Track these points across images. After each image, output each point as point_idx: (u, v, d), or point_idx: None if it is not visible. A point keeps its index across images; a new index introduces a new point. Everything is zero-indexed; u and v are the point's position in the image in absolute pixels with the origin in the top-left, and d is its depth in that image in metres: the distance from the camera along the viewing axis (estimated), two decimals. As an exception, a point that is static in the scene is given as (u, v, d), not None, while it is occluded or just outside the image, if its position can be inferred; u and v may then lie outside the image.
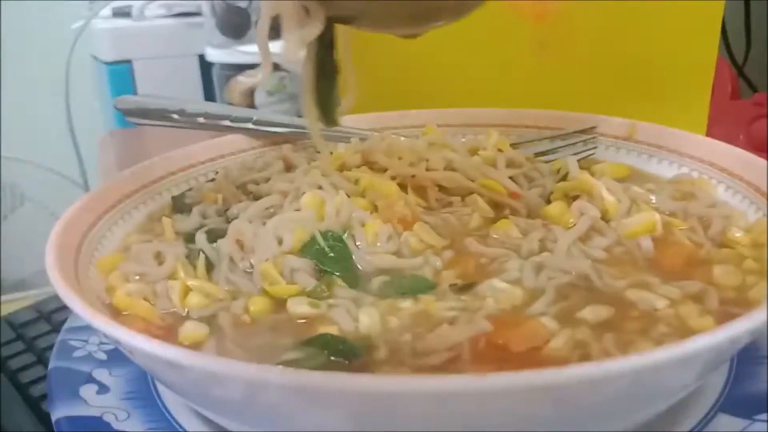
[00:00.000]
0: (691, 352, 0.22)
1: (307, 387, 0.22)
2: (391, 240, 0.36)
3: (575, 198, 0.39)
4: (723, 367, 0.32)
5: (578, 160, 0.42)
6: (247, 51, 1.01)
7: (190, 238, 0.37)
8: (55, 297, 0.31)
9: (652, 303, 0.30)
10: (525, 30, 0.55)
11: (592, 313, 0.29)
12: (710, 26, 0.52)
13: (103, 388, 0.33)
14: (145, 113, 0.47)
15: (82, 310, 0.27)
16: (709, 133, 0.51)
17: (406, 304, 0.31)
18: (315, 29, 0.30)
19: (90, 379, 0.34)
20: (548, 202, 0.40)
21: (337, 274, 0.33)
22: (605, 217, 0.37)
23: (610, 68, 0.54)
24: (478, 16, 0.51)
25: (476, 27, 0.55)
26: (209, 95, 1.17)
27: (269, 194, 0.40)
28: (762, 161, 0.37)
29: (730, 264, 0.33)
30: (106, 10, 1.22)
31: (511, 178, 0.41)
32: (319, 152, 0.48)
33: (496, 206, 0.40)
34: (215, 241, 0.36)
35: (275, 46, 0.31)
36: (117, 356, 0.35)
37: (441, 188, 0.41)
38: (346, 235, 0.35)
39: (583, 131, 0.47)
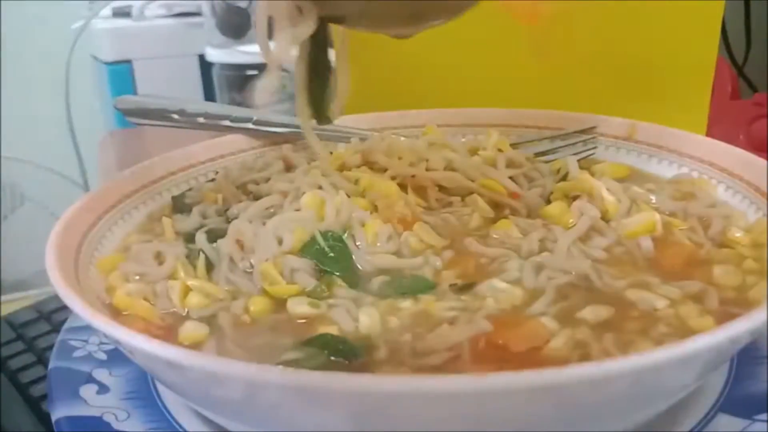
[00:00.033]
0: (691, 352, 0.22)
1: (307, 387, 0.22)
2: (391, 240, 0.36)
3: (575, 198, 0.39)
4: (723, 367, 0.32)
5: (578, 160, 0.42)
6: (247, 51, 1.01)
7: (190, 238, 0.37)
8: (55, 297, 0.31)
9: (652, 303, 0.30)
10: (525, 30, 0.55)
11: (592, 313, 0.29)
12: (710, 26, 0.52)
13: (103, 388, 0.33)
14: (145, 113, 0.47)
15: (82, 310, 0.27)
16: (709, 133, 0.51)
17: (406, 304, 0.31)
18: (307, 28, 0.30)
19: (90, 379, 0.34)
20: (548, 202, 0.40)
21: (337, 274, 0.33)
22: (605, 217, 0.37)
23: (610, 68, 0.54)
24: (478, 17, 0.51)
25: (476, 27, 0.55)
26: (209, 95, 1.17)
27: (269, 194, 0.40)
28: (762, 161, 0.37)
29: (730, 264, 0.33)
30: (106, 10, 1.22)
31: (511, 178, 0.41)
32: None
33: (496, 206, 0.40)
34: (215, 241, 0.36)
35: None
36: (117, 356, 0.35)
37: (441, 188, 0.41)
38: (346, 235, 0.35)
39: (583, 131, 0.47)
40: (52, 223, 0.34)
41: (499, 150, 0.45)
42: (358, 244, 0.35)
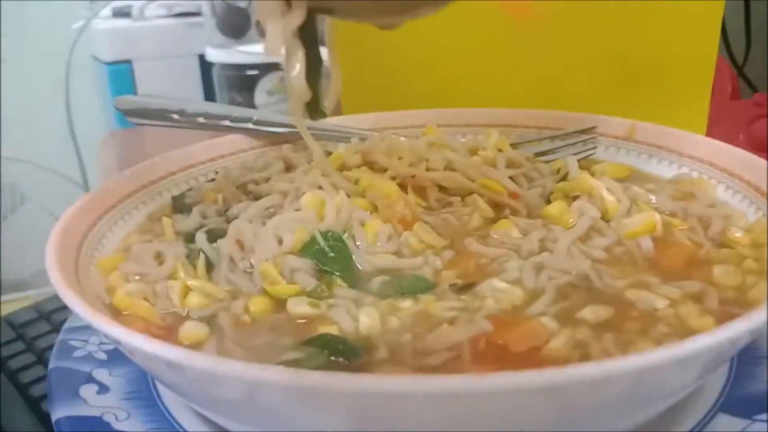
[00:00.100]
0: (691, 352, 0.22)
1: (307, 387, 0.22)
2: (391, 240, 0.36)
3: (575, 198, 0.39)
4: (723, 367, 0.32)
5: (578, 160, 0.42)
6: (247, 51, 1.01)
7: (190, 238, 0.37)
8: (55, 297, 0.31)
9: (652, 303, 0.30)
10: (525, 30, 0.55)
11: (592, 313, 0.29)
12: (710, 26, 0.52)
13: (103, 388, 0.33)
14: (145, 113, 0.47)
15: (82, 310, 0.27)
16: (709, 133, 0.51)
17: (406, 304, 0.31)
18: (296, 19, 0.30)
19: (90, 379, 0.34)
20: (548, 202, 0.40)
21: (337, 274, 0.33)
22: (605, 217, 0.37)
23: (610, 68, 0.54)
24: (478, 17, 0.51)
25: (476, 27, 0.55)
26: (209, 95, 1.17)
27: (269, 194, 0.40)
28: (762, 161, 0.37)
29: (730, 264, 0.33)
30: (106, 10, 1.22)
31: (511, 178, 0.41)
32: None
33: (496, 206, 0.40)
34: (215, 241, 0.36)
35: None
36: (117, 356, 0.35)
37: (441, 188, 0.41)
38: (346, 235, 0.35)
39: (583, 131, 0.47)
40: (52, 223, 0.34)
41: (499, 150, 0.45)
42: (358, 244, 0.35)
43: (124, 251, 0.37)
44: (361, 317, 0.30)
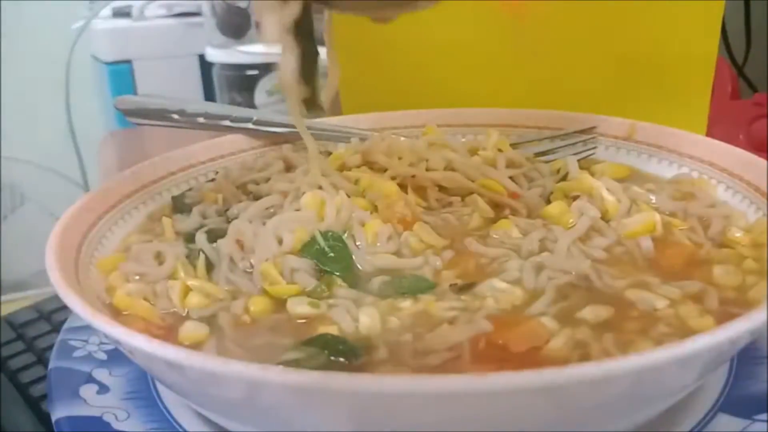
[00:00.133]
0: (691, 352, 0.22)
1: (307, 387, 0.22)
2: (391, 240, 0.36)
3: (575, 198, 0.39)
4: (723, 367, 0.32)
5: (578, 160, 0.42)
6: (247, 51, 1.01)
7: (190, 238, 0.37)
8: (55, 297, 0.31)
9: (652, 303, 0.30)
10: (525, 30, 0.55)
11: (592, 313, 0.29)
12: (710, 26, 0.52)
13: (103, 388, 0.33)
14: (145, 113, 0.47)
15: (82, 310, 0.27)
16: (709, 133, 0.51)
17: (406, 304, 0.31)
18: (293, 11, 0.30)
19: (90, 379, 0.34)
20: (548, 202, 0.40)
21: (337, 274, 0.33)
22: (605, 217, 0.37)
23: (610, 68, 0.54)
24: (479, 17, 0.51)
25: (476, 27, 0.55)
26: (209, 95, 1.17)
27: (269, 194, 0.40)
28: (762, 161, 0.37)
29: (730, 264, 0.33)
30: (106, 10, 1.21)
31: (511, 178, 0.41)
32: (319, 152, 0.48)
33: (496, 206, 0.40)
34: (215, 241, 0.36)
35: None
36: (117, 356, 0.35)
37: (441, 188, 0.41)
38: (346, 235, 0.35)
39: (583, 131, 0.47)
40: (52, 223, 0.34)
41: (499, 150, 0.45)
42: (358, 244, 0.35)
43: (124, 251, 0.37)
44: (361, 317, 0.30)
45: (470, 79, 0.56)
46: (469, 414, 0.22)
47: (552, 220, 0.37)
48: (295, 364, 0.27)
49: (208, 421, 0.30)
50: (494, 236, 0.37)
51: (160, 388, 0.33)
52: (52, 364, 0.35)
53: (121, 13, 1.20)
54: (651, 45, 0.53)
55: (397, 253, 0.35)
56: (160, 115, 0.47)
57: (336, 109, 0.59)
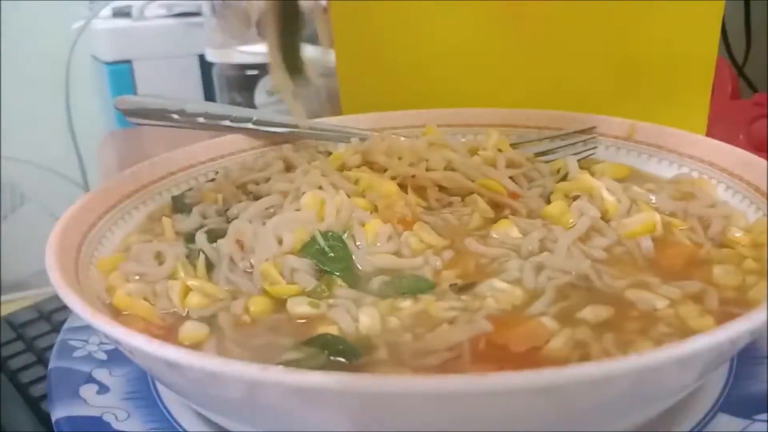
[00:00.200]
0: (691, 352, 0.22)
1: (307, 387, 0.22)
2: (391, 240, 0.36)
3: (575, 198, 0.39)
4: (723, 367, 0.32)
5: (578, 160, 0.42)
6: (247, 51, 1.01)
7: (190, 238, 0.37)
8: (55, 297, 0.31)
9: (652, 303, 0.30)
10: (525, 30, 0.55)
11: (592, 313, 0.29)
12: (710, 26, 0.52)
13: (103, 388, 0.33)
14: (145, 113, 0.47)
15: (82, 310, 0.27)
16: (709, 133, 0.51)
17: (406, 304, 0.31)
18: None
19: (90, 379, 0.34)
20: (548, 202, 0.40)
21: (337, 274, 0.33)
22: (605, 217, 0.37)
23: (610, 68, 0.54)
24: (479, 17, 0.51)
25: (476, 27, 0.55)
26: (209, 95, 1.17)
27: (269, 194, 0.40)
28: (762, 161, 0.37)
29: (730, 264, 0.33)
30: (106, 10, 1.21)
31: (511, 178, 0.41)
32: (319, 152, 0.48)
33: (496, 206, 0.40)
34: (215, 241, 0.36)
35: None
36: (117, 356, 0.35)
37: (441, 188, 0.41)
38: (346, 235, 0.35)
39: (583, 131, 0.47)
40: (52, 223, 0.34)
41: (499, 150, 0.45)
42: (358, 244, 0.35)
43: (124, 251, 0.37)
44: (361, 317, 0.30)
45: (470, 79, 0.56)
46: (469, 414, 0.22)
47: (552, 220, 0.37)
48: (295, 364, 0.27)
49: (208, 421, 0.30)
50: (494, 236, 0.37)
51: (160, 388, 0.33)
52: (52, 364, 0.35)
53: (121, 13, 1.20)
54: (651, 45, 0.53)
55: (397, 253, 0.35)
56: (160, 115, 0.47)
57: (336, 109, 0.59)
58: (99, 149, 0.84)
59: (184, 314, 0.32)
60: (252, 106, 1.00)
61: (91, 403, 0.32)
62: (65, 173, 1.32)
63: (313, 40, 0.32)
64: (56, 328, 0.49)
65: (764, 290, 0.31)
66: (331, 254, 0.34)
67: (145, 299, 0.33)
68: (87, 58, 1.25)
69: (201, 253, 0.35)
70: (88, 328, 0.37)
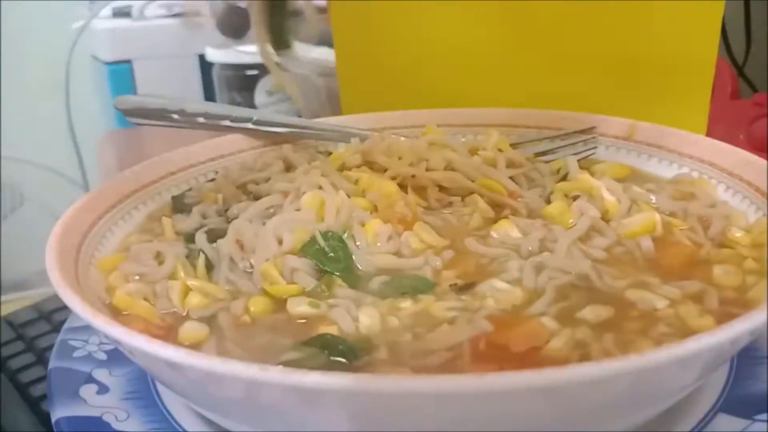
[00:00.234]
0: (691, 352, 0.22)
1: (307, 387, 0.22)
2: (391, 240, 0.36)
3: (575, 198, 0.39)
4: (723, 367, 0.32)
5: (578, 160, 0.42)
6: (247, 51, 1.01)
7: (190, 238, 0.37)
8: (55, 297, 0.31)
9: (652, 303, 0.30)
10: (525, 30, 0.55)
11: (592, 313, 0.29)
12: (710, 26, 0.52)
13: (103, 388, 0.33)
14: (145, 113, 0.47)
15: (82, 310, 0.27)
16: (709, 133, 0.51)
17: (406, 304, 0.31)
18: None
19: (90, 379, 0.34)
20: (548, 202, 0.40)
21: (337, 274, 0.33)
22: (605, 217, 0.37)
23: (610, 68, 0.54)
24: (479, 17, 0.51)
25: (476, 27, 0.55)
26: (209, 95, 1.17)
27: (269, 194, 0.40)
28: (762, 161, 0.37)
29: (730, 264, 0.33)
30: (106, 10, 1.22)
31: (511, 178, 0.41)
32: (319, 152, 0.48)
33: (496, 206, 0.40)
34: (215, 241, 0.36)
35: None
36: (117, 356, 0.35)
37: (441, 188, 0.41)
38: (346, 235, 0.35)
39: (583, 131, 0.47)
40: (52, 223, 0.34)
41: (499, 150, 0.45)
42: (358, 244, 0.35)
43: (124, 251, 0.37)
44: (361, 317, 0.30)
45: (470, 79, 0.56)
46: (469, 414, 0.22)
47: (552, 220, 0.37)
48: (295, 364, 0.27)
49: (208, 421, 0.30)
50: (494, 236, 0.37)
51: (160, 388, 0.33)
52: (52, 364, 0.35)
53: (121, 13, 1.21)
54: (651, 45, 0.53)
55: (397, 253, 0.35)
56: (160, 115, 0.47)
57: (336, 109, 0.59)
58: (99, 149, 0.84)
59: (184, 314, 0.32)
60: (252, 106, 1.00)
61: (91, 403, 0.32)
62: (65, 173, 1.32)
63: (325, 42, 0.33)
64: (56, 328, 0.49)
65: (764, 290, 0.31)
66: (331, 254, 0.34)
67: (145, 299, 0.33)
68: (87, 58, 1.25)
69: (201, 253, 0.35)
70: (88, 328, 0.37)
